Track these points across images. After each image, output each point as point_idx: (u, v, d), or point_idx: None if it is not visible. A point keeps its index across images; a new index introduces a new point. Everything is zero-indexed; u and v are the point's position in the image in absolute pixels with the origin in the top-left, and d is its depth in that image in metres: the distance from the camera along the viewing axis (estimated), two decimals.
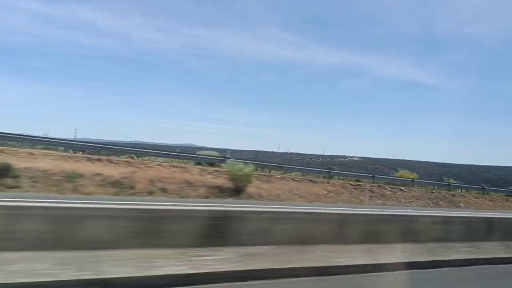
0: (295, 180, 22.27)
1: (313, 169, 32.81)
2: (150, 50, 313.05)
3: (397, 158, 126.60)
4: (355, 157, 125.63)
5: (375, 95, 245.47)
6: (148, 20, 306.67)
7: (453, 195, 27.11)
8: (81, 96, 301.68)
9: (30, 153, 17.82)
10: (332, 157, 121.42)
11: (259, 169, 24.41)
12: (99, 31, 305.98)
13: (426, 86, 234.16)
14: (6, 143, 20.34)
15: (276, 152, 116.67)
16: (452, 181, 32.72)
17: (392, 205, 21.36)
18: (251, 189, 17.97)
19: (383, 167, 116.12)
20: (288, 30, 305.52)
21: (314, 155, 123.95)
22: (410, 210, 17.30)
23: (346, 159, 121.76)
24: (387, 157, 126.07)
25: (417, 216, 9.17)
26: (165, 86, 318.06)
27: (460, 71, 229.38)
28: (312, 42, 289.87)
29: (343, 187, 22.86)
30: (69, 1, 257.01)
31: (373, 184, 25.31)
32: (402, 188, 25.68)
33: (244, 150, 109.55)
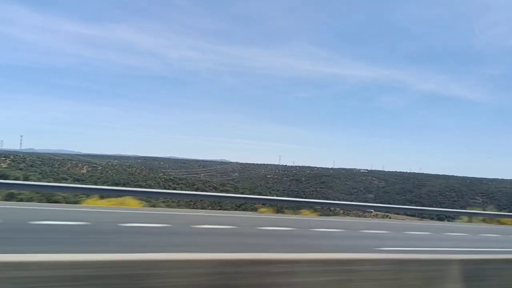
0: None
1: None
2: (187, 69, 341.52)
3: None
4: (361, 169, 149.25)
5: (411, 109, 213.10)
6: (184, 40, 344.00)
7: None
8: (120, 114, 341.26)
9: None
10: (338, 169, 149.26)
11: None
12: (137, 51, 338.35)
13: (466, 100, 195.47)
14: None
15: (277, 165, 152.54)
16: None
17: None
18: None
19: (373, 178, 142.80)
20: (322, 47, 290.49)
21: (320, 168, 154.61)
22: None
23: (352, 172, 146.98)
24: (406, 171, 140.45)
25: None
26: (201, 104, 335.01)
27: (502, 84, 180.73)
28: (347, 58, 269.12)
29: None
30: (105, 21, 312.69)
31: None
32: None
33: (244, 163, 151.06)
